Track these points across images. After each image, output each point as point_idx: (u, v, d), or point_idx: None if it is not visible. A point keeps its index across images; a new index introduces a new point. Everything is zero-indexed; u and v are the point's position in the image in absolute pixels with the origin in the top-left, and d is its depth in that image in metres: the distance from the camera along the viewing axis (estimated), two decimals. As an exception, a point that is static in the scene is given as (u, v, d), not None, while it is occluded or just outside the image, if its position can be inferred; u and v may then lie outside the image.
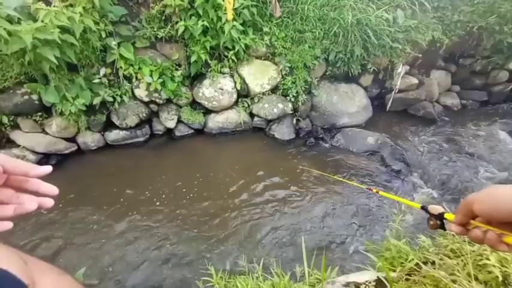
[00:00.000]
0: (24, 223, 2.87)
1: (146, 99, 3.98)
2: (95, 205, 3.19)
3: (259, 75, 4.26)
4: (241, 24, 3.77)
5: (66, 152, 3.86)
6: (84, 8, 3.03)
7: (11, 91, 3.39)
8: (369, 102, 4.88)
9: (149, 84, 3.77)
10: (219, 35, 3.74)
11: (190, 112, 4.27)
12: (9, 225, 0.45)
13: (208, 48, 3.75)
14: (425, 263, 1.35)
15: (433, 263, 1.34)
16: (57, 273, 0.48)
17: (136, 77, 3.79)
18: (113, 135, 4.04)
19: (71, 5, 3.04)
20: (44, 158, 3.75)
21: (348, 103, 4.67)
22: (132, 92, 3.91)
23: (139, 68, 3.72)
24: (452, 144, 4.46)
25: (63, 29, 2.96)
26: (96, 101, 3.58)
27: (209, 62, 3.96)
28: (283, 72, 4.32)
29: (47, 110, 3.65)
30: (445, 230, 0.62)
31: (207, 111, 4.41)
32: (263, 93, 4.37)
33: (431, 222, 0.64)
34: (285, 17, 4.11)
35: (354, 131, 4.54)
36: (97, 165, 3.81)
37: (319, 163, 3.97)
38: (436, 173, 3.88)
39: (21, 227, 2.85)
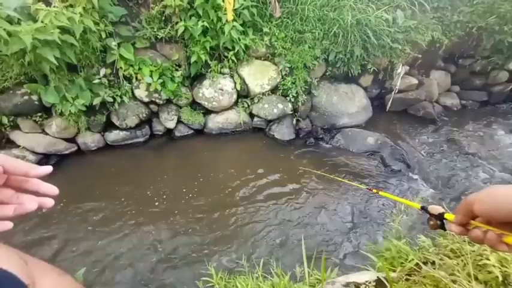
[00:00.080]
0: (24, 223, 2.86)
1: (146, 100, 3.98)
2: (95, 205, 3.19)
3: (259, 76, 4.26)
4: (241, 25, 3.77)
5: (66, 152, 3.86)
6: (84, 8, 3.03)
7: (11, 91, 3.39)
8: (369, 103, 4.88)
9: (149, 84, 3.77)
10: (219, 35, 3.74)
11: (190, 112, 4.27)
12: (9, 225, 0.45)
13: (208, 48, 3.75)
14: (425, 263, 1.35)
15: (433, 263, 1.34)
16: (58, 273, 0.48)
17: (136, 78, 3.80)
18: (113, 136, 4.04)
19: (71, 6, 3.04)
20: (43, 159, 3.75)
21: (348, 103, 4.67)
22: (132, 92, 3.91)
23: (139, 69, 3.72)
24: (452, 144, 4.47)
25: (63, 30, 2.96)
26: (96, 101, 3.58)
27: (209, 62, 3.96)
28: (283, 73, 4.32)
29: (46, 111, 3.65)
30: (445, 230, 0.62)
31: (207, 112, 4.41)
32: (263, 94, 4.37)
33: (432, 223, 0.64)
34: (284, 18, 4.11)
35: (354, 131, 4.54)
36: (97, 166, 3.81)
37: (319, 163, 3.97)
38: (436, 173, 3.88)
39: (21, 227, 2.85)
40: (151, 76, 3.73)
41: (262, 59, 4.38)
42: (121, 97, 3.76)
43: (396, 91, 4.93)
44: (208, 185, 3.53)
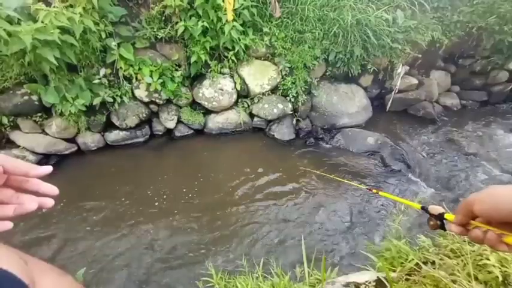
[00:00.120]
0: (24, 223, 2.86)
1: (146, 100, 3.98)
2: (95, 205, 3.19)
3: (259, 76, 4.26)
4: (241, 25, 3.77)
5: (66, 152, 3.86)
6: (84, 8, 3.03)
7: (11, 92, 3.39)
8: (369, 103, 4.88)
9: (149, 84, 3.77)
10: (219, 35, 3.74)
11: (190, 112, 4.27)
12: (9, 225, 0.45)
13: (208, 48, 3.75)
14: (425, 263, 1.35)
15: (433, 263, 1.34)
16: (58, 273, 0.48)
17: (136, 78, 3.80)
18: (113, 136, 4.04)
19: (71, 6, 3.04)
20: (43, 159, 3.75)
21: (348, 103, 4.67)
22: (132, 92, 3.91)
23: (139, 69, 3.72)
24: (452, 144, 4.47)
25: (63, 30, 2.96)
26: (96, 101, 3.58)
27: (209, 62, 3.96)
28: (283, 73, 4.32)
29: (46, 111, 3.65)
30: (445, 230, 0.62)
31: (207, 112, 4.41)
32: (263, 94, 4.37)
33: (432, 223, 0.64)
34: (284, 18, 4.11)
35: (354, 131, 4.54)
36: (97, 166, 3.81)
37: (319, 163, 3.97)
38: (436, 173, 3.88)
39: (22, 227, 2.85)
40: (151, 76, 3.73)
41: (262, 59, 4.38)
42: (121, 97, 3.76)
43: (396, 91, 4.93)
44: (208, 185, 3.53)
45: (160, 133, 4.34)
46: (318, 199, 3.38)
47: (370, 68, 4.50)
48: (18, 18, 2.80)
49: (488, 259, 1.18)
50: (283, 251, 2.76)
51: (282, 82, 4.35)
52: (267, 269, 1.78)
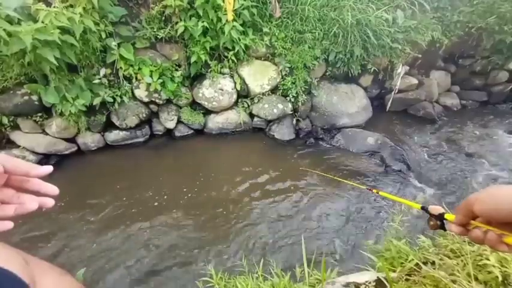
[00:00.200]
0: (25, 223, 2.86)
1: (146, 100, 3.98)
2: (95, 205, 3.19)
3: (259, 76, 4.26)
4: (241, 25, 3.77)
5: (66, 152, 3.86)
6: (84, 8, 3.03)
7: (11, 92, 3.39)
8: (369, 103, 4.88)
9: (149, 84, 3.77)
10: (219, 35, 3.74)
11: (190, 112, 4.27)
12: (10, 225, 0.45)
13: (208, 48, 3.76)
14: (425, 263, 1.35)
15: (433, 263, 1.34)
16: (58, 273, 0.48)
17: (136, 78, 3.80)
18: (113, 136, 4.04)
19: (71, 6, 3.04)
20: (44, 159, 3.75)
21: (348, 103, 4.67)
22: (132, 92, 3.91)
23: (139, 69, 3.72)
24: (452, 145, 4.47)
25: (63, 30, 2.96)
26: (96, 101, 3.58)
27: (209, 62, 3.97)
28: (283, 73, 4.32)
29: (47, 111, 3.65)
30: (445, 230, 0.62)
31: (207, 112, 4.41)
32: (263, 94, 4.37)
33: (432, 223, 0.64)
34: (284, 18, 4.11)
35: (354, 131, 4.54)
36: (97, 166, 3.81)
37: (319, 163, 3.97)
38: (436, 173, 3.88)
39: (22, 227, 2.85)
40: (151, 76, 3.73)
41: (262, 59, 4.38)
42: (121, 97, 3.76)
43: (396, 91, 4.94)
44: (208, 185, 3.53)
45: (160, 133, 4.34)
46: (318, 199, 3.38)
47: (370, 68, 4.50)
48: (19, 19, 2.80)
49: (488, 259, 1.18)
50: (283, 251, 2.76)
51: (282, 82, 4.35)
52: (267, 269, 1.78)
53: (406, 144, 4.46)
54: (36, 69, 3.21)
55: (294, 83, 4.29)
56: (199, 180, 3.59)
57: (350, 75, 4.54)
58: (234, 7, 3.51)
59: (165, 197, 3.33)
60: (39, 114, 3.62)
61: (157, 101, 4.03)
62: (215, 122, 4.38)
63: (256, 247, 2.80)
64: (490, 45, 4.95)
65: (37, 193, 0.48)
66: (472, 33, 4.84)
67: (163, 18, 3.66)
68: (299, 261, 2.16)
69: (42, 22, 2.80)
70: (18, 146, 3.63)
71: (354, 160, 4.08)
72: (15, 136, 3.64)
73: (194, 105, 4.39)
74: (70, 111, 3.43)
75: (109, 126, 4.05)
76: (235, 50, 3.90)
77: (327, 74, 4.67)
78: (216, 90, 4.14)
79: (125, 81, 3.79)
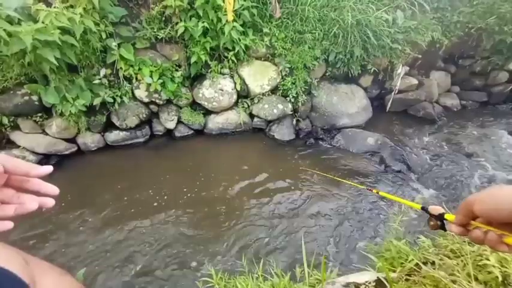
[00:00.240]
0: (25, 223, 2.86)
1: (146, 100, 3.99)
2: (95, 205, 3.19)
3: (259, 76, 4.26)
4: (241, 25, 3.78)
5: (66, 152, 3.86)
6: (84, 9, 3.03)
7: (11, 92, 3.39)
8: (369, 103, 4.88)
9: (149, 85, 3.78)
10: (219, 36, 3.74)
11: (190, 113, 4.27)
12: (10, 225, 0.45)
13: (208, 49, 3.76)
14: (425, 264, 1.35)
15: (433, 263, 1.34)
16: (58, 273, 0.48)
17: (136, 78, 3.80)
18: (113, 136, 4.04)
19: (72, 6, 3.05)
20: (44, 159, 3.75)
21: (348, 104, 4.67)
22: (132, 92, 3.92)
23: (140, 69, 3.73)
24: (452, 145, 4.47)
25: (64, 30, 2.96)
26: (96, 101, 3.58)
27: (209, 62, 3.97)
28: (283, 73, 4.32)
29: (47, 111, 3.65)
30: (445, 230, 0.62)
31: (207, 112, 4.42)
32: (263, 94, 4.37)
33: (432, 223, 0.64)
34: (284, 18, 4.11)
35: (354, 131, 4.54)
36: (97, 166, 3.81)
37: (319, 163, 3.97)
38: (436, 174, 3.88)
39: (22, 227, 2.85)
40: (151, 76, 3.74)
41: (262, 59, 4.38)
42: (121, 97, 3.77)
43: (396, 91, 4.94)
44: (208, 185, 3.53)
45: (160, 133, 4.35)
46: (317, 199, 3.38)
47: (370, 69, 4.50)
48: (19, 19, 2.80)
49: (488, 259, 1.18)
50: (283, 251, 2.76)
51: (282, 82, 4.35)
52: (267, 269, 1.78)
53: (406, 144, 4.46)
54: (36, 70, 3.22)
55: (294, 84, 4.29)
56: (199, 180, 3.59)
57: (350, 75, 4.54)
58: (234, 7, 3.51)
59: (165, 197, 3.33)
60: (39, 114, 3.62)
61: (157, 101, 4.04)
62: (215, 122, 4.38)
63: (256, 247, 2.80)
64: (490, 45, 4.95)
65: (37, 193, 0.48)
66: (472, 34, 4.84)
67: (164, 18, 3.66)
68: (299, 261, 2.16)
69: (43, 22, 2.80)
70: (18, 146, 3.63)
71: (354, 160, 4.08)
72: (15, 136, 3.64)
73: (194, 105, 4.39)
74: (70, 111, 3.43)
75: (109, 126, 4.05)
76: (236, 51, 3.91)
77: (327, 74, 4.67)
78: (216, 90, 4.15)
79: (125, 82, 3.79)
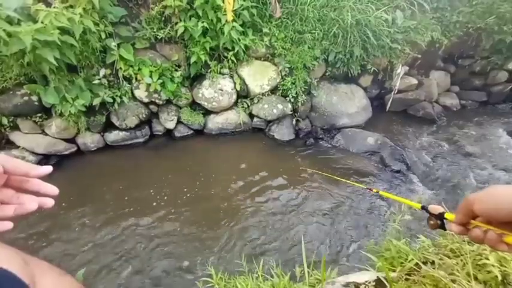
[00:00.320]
0: (24, 223, 2.86)
1: (146, 100, 3.98)
2: (95, 205, 3.19)
3: (258, 76, 4.26)
4: (241, 25, 3.77)
5: (66, 152, 3.86)
6: (84, 9, 3.03)
7: (11, 92, 3.39)
8: (369, 103, 4.89)
9: (149, 85, 3.77)
10: (218, 36, 3.74)
11: (190, 113, 4.27)
12: (9, 225, 0.45)
13: (208, 49, 3.76)
14: (425, 263, 1.35)
15: (433, 263, 1.34)
16: (58, 273, 0.48)
17: (136, 78, 3.80)
18: (113, 136, 4.04)
19: (71, 6, 3.04)
20: (43, 159, 3.75)
21: (348, 103, 4.67)
22: (132, 92, 3.91)
23: (139, 69, 3.72)
24: (452, 145, 4.47)
25: (63, 30, 2.96)
26: (96, 102, 3.57)
27: (209, 62, 3.97)
28: (283, 73, 4.32)
29: (46, 111, 3.65)
30: (445, 229, 0.62)
31: (207, 112, 4.41)
32: (263, 94, 4.37)
33: (432, 222, 0.64)
34: (284, 18, 4.11)
35: (354, 131, 4.54)
36: (97, 166, 3.81)
37: (319, 163, 3.97)
38: (436, 173, 3.88)
39: (21, 227, 2.85)
40: (151, 76, 3.73)
41: (262, 59, 4.38)
42: (121, 97, 3.76)
43: (396, 91, 4.94)
44: (208, 185, 3.53)
45: (160, 133, 4.34)
46: (317, 199, 3.38)
47: (370, 68, 4.51)
48: (18, 19, 2.80)
49: (487, 259, 1.18)
50: (283, 251, 2.76)
51: (282, 82, 4.35)
52: (267, 269, 1.78)
53: (405, 144, 4.46)
54: (36, 70, 3.21)
55: (293, 83, 4.29)
56: (199, 180, 3.59)
57: (350, 75, 4.54)
58: (233, 7, 3.51)
59: (165, 197, 3.33)
60: (39, 114, 3.61)
61: (157, 101, 4.03)
62: (215, 123, 4.38)
63: (256, 247, 2.80)
64: (489, 45, 4.95)
65: (37, 193, 0.48)
66: (472, 34, 4.84)
67: (163, 18, 3.66)
68: (299, 261, 2.16)
69: (42, 22, 2.79)
70: (18, 147, 3.63)
71: (354, 160, 4.08)
72: (14, 137, 3.64)
73: (194, 105, 4.39)
74: (70, 111, 3.42)
75: (109, 126, 4.05)
76: (235, 51, 3.90)
77: (327, 74, 4.68)
78: (216, 90, 4.14)
79: (124, 82, 3.79)
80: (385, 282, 1.32)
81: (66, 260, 2.65)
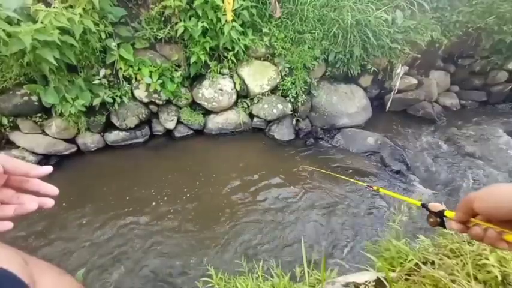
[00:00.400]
0: (24, 223, 2.86)
1: (146, 100, 3.98)
2: (95, 205, 3.19)
3: (258, 76, 4.26)
4: (241, 25, 3.78)
5: (66, 153, 3.86)
6: (83, 9, 3.03)
7: (11, 92, 3.39)
8: (369, 103, 4.89)
9: (149, 85, 3.77)
10: (218, 36, 3.74)
11: (189, 113, 4.27)
12: (9, 225, 0.45)
13: (207, 49, 3.76)
14: (424, 263, 1.35)
15: (433, 263, 1.34)
16: (58, 273, 0.48)
17: (136, 78, 3.80)
18: (113, 136, 4.04)
19: (71, 6, 3.04)
20: (43, 159, 3.75)
21: (348, 103, 4.68)
22: (132, 93, 3.91)
23: (139, 69, 3.72)
24: (452, 144, 4.47)
25: (63, 30, 2.96)
26: (96, 102, 3.57)
27: (209, 62, 3.97)
28: (283, 73, 4.32)
29: (46, 111, 3.65)
30: (444, 227, 0.62)
31: (207, 112, 4.41)
32: (262, 94, 4.37)
33: (431, 220, 0.64)
34: (284, 18, 4.12)
35: (354, 131, 4.54)
36: (97, 166, 3.81)
37: (319, 163, 3.97)
38: (436, 173, 3.88)
39: (21, 227, 2.85)
40: (150, 77, 3.73)
41: (262, 59, 4.38)
42: (121, 98, 3.76)
43: (396, 91, 4.94)
44: (208, 185, 3.53)
45: (160, 133, 4.34)
46: (317, 199, 3.38)
47: (370, 68, 4.51)
48: (18, 19, 2.80)
49: (487, 259, 1.18)
50: (283, 251, 2.76)
51: (282, 82, 4.35)
52: (267, 269, 1.78)
53: (405, 144, 4.47)
54: (36, 70, 3.21)
55: (293, 83, 4.29)
56: (199, 180, 3.59)
57: (349, 75, 4.54)
58: (233, 7, 3.51)
59: (165, 197, 3.33)
60: (39, 114, 3.61)
61: (157, 101, 4.03)
62: (215, 123, 4.38)
63: (256, 247, 2.80)
64: (489, 45, 4.96)
65: (37, 193, 0.48)
66: (471, 33, 4.84)
67: (163, 18, 3.66)
68: (299, 261, 2.16)
69: (42, 23, 2.79)
70: (18, 147, 3.63)
71: (354, 160, 4.08)
72: (14, 137, 3.64)
73: (194, 105, 4.39)
74: (70, 111, 3.42)
75: (109, 126, 4.05)
76: (235, 51, 3.91)
77: (327, 74, 4.68)
78: (216, 90, 4.14)
79: (124, 82, 3.79)
80: (385, 283, 1.32)
81: (65, 259, 2.65)
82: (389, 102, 5.07)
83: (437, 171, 3.93)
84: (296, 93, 4.32)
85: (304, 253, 1.59)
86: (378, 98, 5.20)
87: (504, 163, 4.05)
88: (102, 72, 3.61)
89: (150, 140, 4.29)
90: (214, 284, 1.69)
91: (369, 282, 1.37)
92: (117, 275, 2.54)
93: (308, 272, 1.55)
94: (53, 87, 3.31)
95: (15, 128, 3.62)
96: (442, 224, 0.62)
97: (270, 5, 3.92)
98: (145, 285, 2.48)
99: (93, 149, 3.98)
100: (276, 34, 4.10)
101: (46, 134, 3.73)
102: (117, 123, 3.96)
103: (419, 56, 4.71)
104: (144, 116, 4.08)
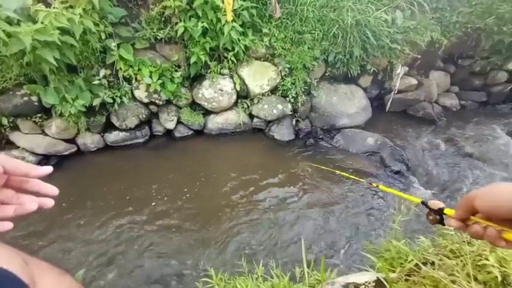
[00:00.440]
0: (24, 223, 2.86)
1: (146, 101, 3.98)
2: (95, 206, 3.19)
3: (258, 76, 4.26)
4: (241, 26, 3.78)
5: (66, 153, 3.86)
6: (84, 9, 3.03)
7: (11, 92, 3.39)
8: (368, 103, 4.89)
9: (149, 85, 3.78)
10: (218, 36, 3.74)
11: (189, 113, 4.27)
12: (9, 225, 0.45)
13: (207, 49, 3.76)
14: (424, 264, 1.35)
15: (433, 263, 1.34)
16: (58, 273, 0.49)
17: (135, 78, 3.80)
18: (113, 137, 4.04)
19: (71, 7, 3.05)
20: (43, 160, 3.75)
21: (348, 104, 4.68)
22: (132, 93, 3.91)
23: (139, 69, 3.73)
24: (452, 145, 4.47)
25: (63, 31, 2.96)
26: (96, 102, 3.58)
27: (209, 63, 3.97)
28: (283, 73, 4.33)
29: (46, 112, 3.65)
30: (444, 225, 0.62)
31: (207, 112, 4.41)
32: (262, 94, 4.37)
33: (431, 217, 0.64)
34: (284, 18, 4.12)
35: (354, 131, 4.54)
36: (97, 166, 3.81)
37: (319, 163, 3.96)
38: (435, 174, 3.88)
39: (21, 227, 2.85)
40: (150, 77, 3.73)
41: (262, 59, 4.38)
42: (121, 98, 3.76)
43: (395, 91, 4.94)
44: (208, 185, 3.53)
45: (160, 134, 4.34)
46: (317, 199, 3.38)
47: (370, 69, 4.51)
48: (18, 19, 2.80)
49: (487, 259, 1.18)
50: (283, 251, 2.76)
51: (282, 83, 4.36)
52: (267, 269, 1.78)
53: (405, 144, 4.46)
54: (36, 70, 3.21)
55: (293, 84, 4.30)
56: (199, 180, 3.59)
57: (349, 75, 4.55)
58: (233, 8, 3.51)
59: (165, 197, 3.33)
60: (39, 115, 3.62)
61: (157, 101, 4.03)
62: (215, 123, 4.38)
63: (255, 247, 2.80)
64: (489, 45, 4.96)
65: (37, 194, 0.48)
66: (471, 34, 4.85)
67: (163, 19, 3.66)
68: (299, 262, 2.16)
69: (42, 23, 2.79)
70: (18, 147, 3.63)
71: (354, 160, 4.08)
72: (14, 137, 3.64)
73: (194, 105, 4.39)
74: (70, 112, 3.42)
75: (109, 127, 4.05)
76: (235, 51, 3.91)
77: (327, 74, 4.68)
78: (216, 90, 4.15)
79: (124, 82, 3.79)
80: (385, 283, 1.32)
81: (64, 260, 2.65)
82: (389, 103, 5.08)
83: (437, 171, 3.93)
84: (296, 93, 4.32)
85: (304, 253, 1.59)
86: (377, 98, 5.20)
87: (504, 163, 4.05)
88: (102, 72, 3.61)
89: (150, 140, 4.30)
90: (214, 284, 1.69)
91: (369, 283, 1.37)
92: (117, 275, 2.54)
93: (308, 272, 1.55)
94: (53, 87, 3.31)
95: (15, 128, 3.62)
96: (442, 222, 0.62)
97: (270, 5, 3.92)
98: (145, 285, 2.48)
99: (93, 149, 3.98)
100: (276, 34, 4.10)
101: (46, 135, 3.73)
102: (117, 124, 3.96)
103: (419, 56, 4.71)
104: (144, 116, 4.08)
